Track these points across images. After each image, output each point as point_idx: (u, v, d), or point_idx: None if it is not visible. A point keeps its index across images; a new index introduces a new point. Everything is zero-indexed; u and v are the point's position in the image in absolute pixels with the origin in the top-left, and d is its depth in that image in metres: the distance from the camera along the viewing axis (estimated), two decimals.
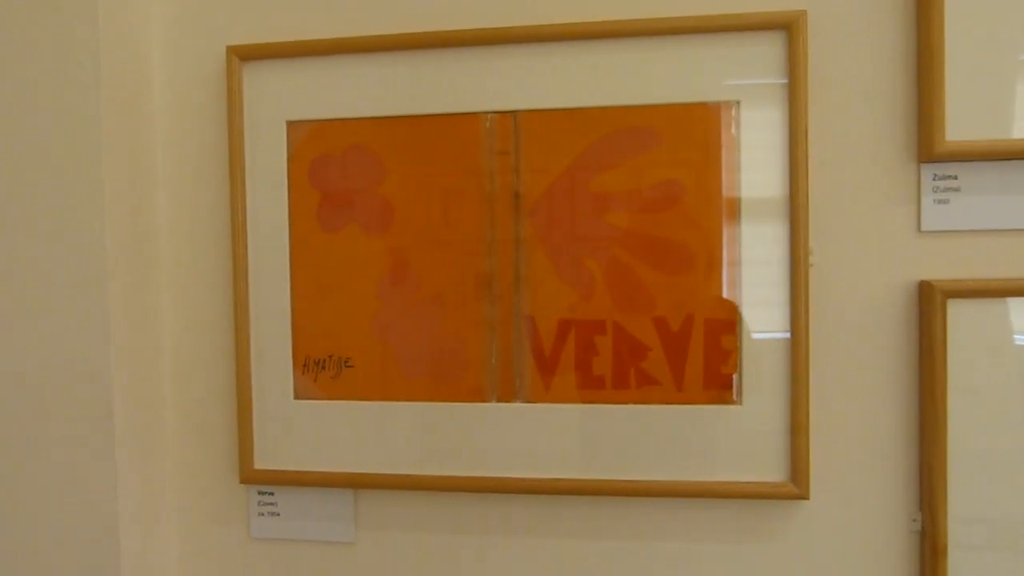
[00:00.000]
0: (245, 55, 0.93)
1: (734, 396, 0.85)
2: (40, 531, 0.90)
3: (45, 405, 0.89)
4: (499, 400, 0.90)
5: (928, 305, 0.82)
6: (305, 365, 0.94)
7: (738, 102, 0.84)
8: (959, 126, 0.80)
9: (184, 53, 0.96)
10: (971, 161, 0.81)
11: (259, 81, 0.93)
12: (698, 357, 0.86)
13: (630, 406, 0.87)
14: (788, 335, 0.84)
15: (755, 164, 0.84)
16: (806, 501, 0.84)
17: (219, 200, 0.96)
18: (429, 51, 0.89)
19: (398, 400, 0.92)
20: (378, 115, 0.91)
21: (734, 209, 0.85)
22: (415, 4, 0.91)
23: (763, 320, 0.84)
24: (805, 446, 0.83)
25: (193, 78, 0.96)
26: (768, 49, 0.83)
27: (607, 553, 0.90)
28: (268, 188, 0.93)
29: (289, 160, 0.93)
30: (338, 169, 0.92)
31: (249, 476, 0.95)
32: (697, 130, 0.85)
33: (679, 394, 0.86)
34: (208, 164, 0.96)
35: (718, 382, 0.85)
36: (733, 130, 0.84)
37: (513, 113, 0.88)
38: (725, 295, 0.85)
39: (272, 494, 0.97)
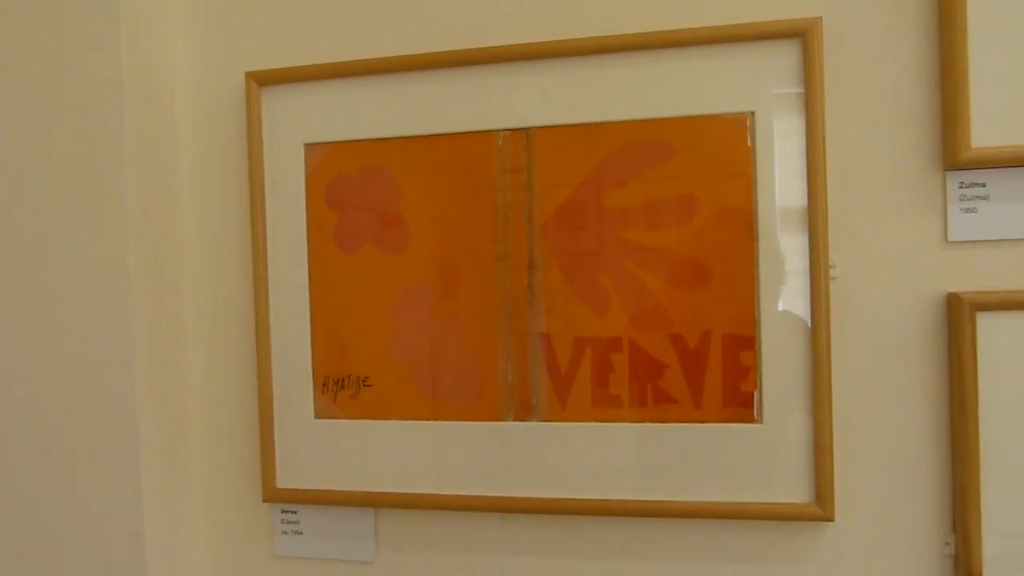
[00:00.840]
0: (263, 80, 0.94)
1: (755, 414, 0.83)
2: (67, 550, 0.92)
3: (69, 425, 0.91)
4: (516, 419, 0.89)
5: (956, 318, 0.78)
6: (325, 384, 0.95)
7: (753, 113, 0.82)
8: (985, 131, 0.77)
9: (204, 80, 0.99)
10: (999, 167, 0.78)
11: (277, 105, 0.95)
12: (716, 374, 0.84)
13: (647, 425, 0.85)
14: (810, 351, 0.81)
15: (772, 175, 0.82)
16: (831, 523, 0.82)
17: (240, 223, 0.97)
18: (440, 71, 0.89)
19: (416, 419, 0.92)
20: (393, 135, 0.92)
21: (751, 222, 0.83)
22: (425, 25, 0.91)
23: (784, 336, 0.82)
24: (829, 465, 0.81)
25: (213, 104, 0.98)
26: (782, 58, 0.81)
27: (625, 574, 0.88)
28: (287, 210, 0.95)
29: (307, 182, 0.94)
30: (355, 190, 0.93)
31: (272, 494, 0.96)
32: (711, 142, 0.83)
33: (697, 412, 0.84)
34: (229, 187, 0.98)
35: (738, 400, 0.83)
36: (748, 141, 0.83)
37: (525, 130, 0.88)
38: (743, 310, 0.83)
39: (295, 512, 0.98)
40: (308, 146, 0.94)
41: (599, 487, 0.87)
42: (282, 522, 0.98)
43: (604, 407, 0.87)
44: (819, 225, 0.81)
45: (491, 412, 0.90)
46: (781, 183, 0.82)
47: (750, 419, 0.83)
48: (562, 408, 0.88)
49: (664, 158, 0.85)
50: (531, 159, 0.88)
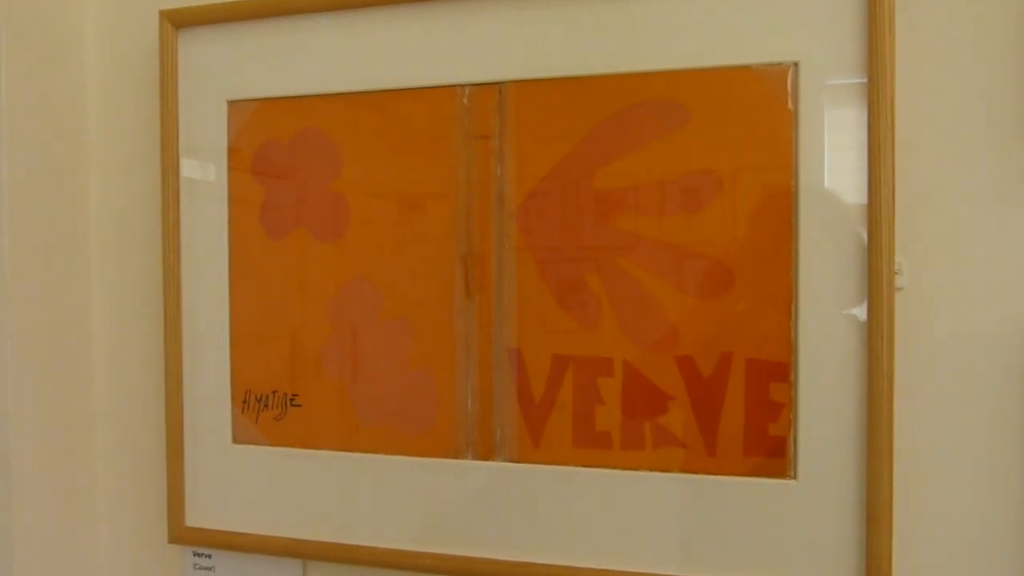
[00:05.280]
0: (180, 21, 0.77)
1: (787, 467, 0.63)
2: None
3: None
4: (475, 457, 0.70)
5: None
6: (245, 401, 0.77)
7: (796, 64, 0.62)
8: None
9: (109, 20, 0.83)
10: None
11: (196, 52, 0.78)
12: (737, 411, 0.64)
13: (643, 473, 0.66)
14: (865, 384, 0.61)
15: (819, 150, 0.62)
16: None
17: (148, 197, 0.81)
18: (391, 8, 0.71)
19: (353, 451, 0.74)
20: (333, 91, 0.73)
21: (789, 210, 0.63)
22: None
23: (829, 364, 0.62)
24: (887, 541, 0.60)
25: (119, 50, 0.83)
26: None
27: None
28: (205, 182, 0.78)
29: (229, 148, 0.77)
30: (285, 159, 0.75)
31: (179, 534, 0.79)
32: (739, 104, 0.64)
33: (710, 461, 0.65)
34: (135, 153, 0.82)
35: (764, 447, 0.63)
36: (789, 103, 0.62)
37: (498, 85, 0.69)
38: (775, 328, 0.63)
39: (209, 556, 0.80)
40: (232, 103, 0.77)
41: (578, 551, 0.68)
42: (194, 567, 0.81)
43: (588, 448, 0.67)
44: (882, 217, 0.60)
45: (445, 447, 0.71)
46: (832, 160, 0.62)
47: (781, 473, 0.63)
48: (534, 446, 0.69)
49: (676, 124, 0.65)
50: (504, 123, 0.69)
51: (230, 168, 0.76)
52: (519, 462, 0.69)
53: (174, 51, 0.77)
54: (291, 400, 0.76)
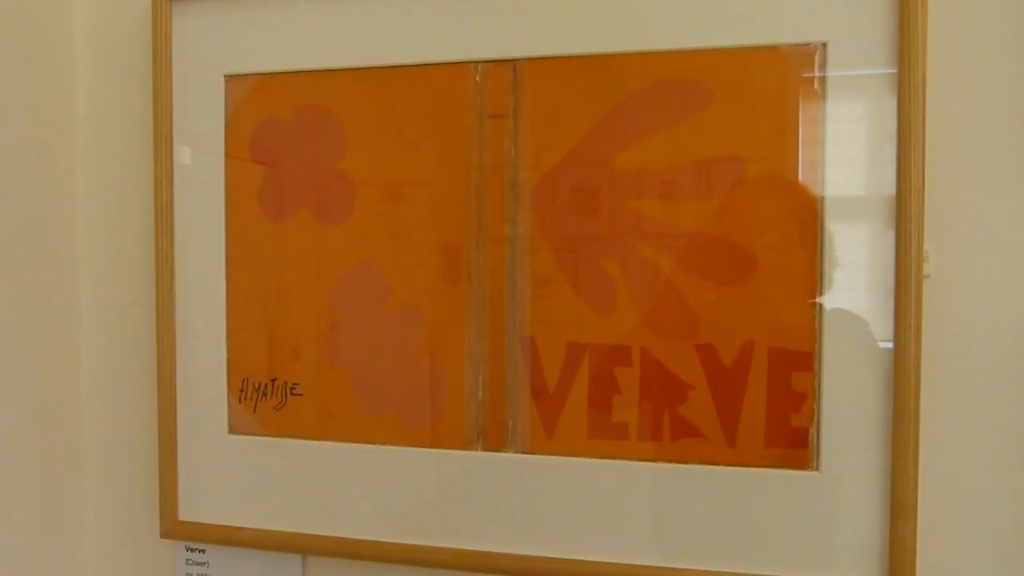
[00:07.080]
0: None
1: (810, 458, 0.62)
2: None
3: None
4: (485, 448, 0.68)
5: None
6: (242, 390, 0.74)
7: (824, 45, 0.60)
8: None
9: None
10: None
11: (191, 25, 0.74)
12: (758, 401, 0.63)
13: (661, 465, 0.65)
14: (891, 374, 0.59)
15: (847, 135, 0.61)
16: None
17: (140, 176, 0.77)
18: None
19: (356, 441, 0.71)
20: (337, 67, 0.71)
21: (815, 196, 0.61)
22: None
23: (854, 353, 0.60)
24: (911, 534, 0.59)
25: (110, 22, 0.79)
26: None
27: None
28: (201, 162, 0.75)
29: (227, 125, 0.73)
30: (287, 138, 0.72)
31: (172, 529, 0.76)
32: (765, 85, 0.62)
33: (730, 452, 0.63)
34: (126, 129, 0.78)
35: (786, 438, 0.62)
36: (816, 85, 0.61)
37: (512, 63, 0.66)
38: (798, 317, 0.61)
39: (203, 551, 0.77)
40: (230, 79, 0.74)
41: (592, 545, 0.66)
42: (186, 563, 0.79)
43: (604, 439, 0.66)
44: (911, 204, 0.59)
45: (454, 438, 0.69)
46: (860, 144, 0.60)
47: (803, 464, 0.62)
48: (548, 437, 0.67)
49: (699, 105, 0.63)
50: (518, 102, 0.67)
51: (227, 146, 0.73)
52: (532, 453, 0.67)
53: (168, 22, 0.73)
54: (292, 389, 0.73)
